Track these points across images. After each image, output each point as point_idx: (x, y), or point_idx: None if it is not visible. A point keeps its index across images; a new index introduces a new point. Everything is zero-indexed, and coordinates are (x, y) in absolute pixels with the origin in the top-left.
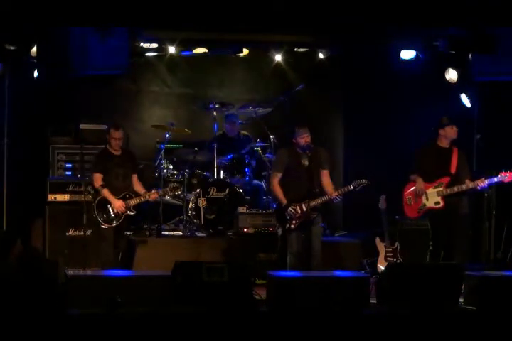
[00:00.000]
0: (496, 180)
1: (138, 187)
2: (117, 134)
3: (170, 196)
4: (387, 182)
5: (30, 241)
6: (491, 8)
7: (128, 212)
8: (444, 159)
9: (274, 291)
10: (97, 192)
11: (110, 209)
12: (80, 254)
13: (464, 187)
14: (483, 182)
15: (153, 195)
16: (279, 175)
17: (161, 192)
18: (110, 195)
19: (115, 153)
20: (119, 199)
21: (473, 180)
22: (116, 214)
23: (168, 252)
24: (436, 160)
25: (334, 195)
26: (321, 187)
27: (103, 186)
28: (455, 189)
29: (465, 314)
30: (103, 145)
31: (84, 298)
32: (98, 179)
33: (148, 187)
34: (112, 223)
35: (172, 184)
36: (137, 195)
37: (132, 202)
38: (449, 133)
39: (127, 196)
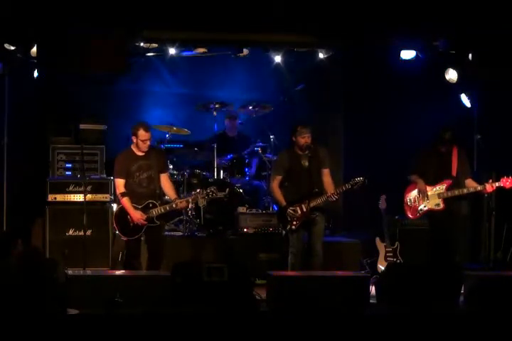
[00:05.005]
0: (497, 185)
1: (168, 189)
2: (147, 135)
3: (205, 200)
4: (387, 182)
5: (30, 241)
6: (490, 8)
7: (150, 223)
8: (445, 161)
9: (274, 291)
10: (119, 199)
11: (130, 220)
12: (80, 254)
13: (465, 190)
14: (493, 187)
15: (182, 204)
16: (279, 178)
17: (190, 200)
18: (129, 206)
19: (139, 153)
20: (140, 209)
21: (474, 179)
22: (136, 227)
23: (168, 252)
24: (437, 163)
25: (330, 193)
26: (322, 186)
27: (123, 194)
28: (456, 192)
29: (465, 314)
30: (102, 146)
31: (84, 298)
32: (119, 185)
33: None
34: (132, 236)
35: (207, 189)
36: (164, 201)
37: (155, 213)
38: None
39: (151, 205)
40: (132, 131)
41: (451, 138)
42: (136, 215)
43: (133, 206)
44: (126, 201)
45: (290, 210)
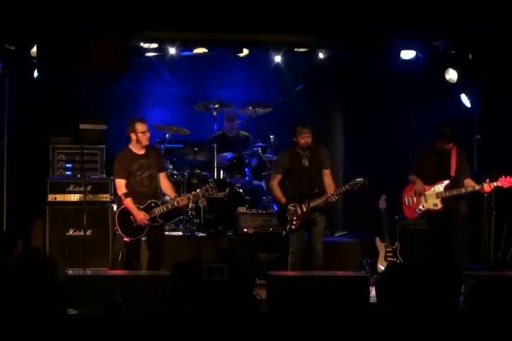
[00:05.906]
0: (495, 184)
1: (167, 188)
2: (144, 127)
3: (205, 197)
4: (387, 182)
5: (30, 241)
6: (490, 8)
7: (153, 223)
8: (444, 161)
9: (274, 291)
10: (120, 200)
11: (133, 220)
12: (80, 254)
13: (463, 190)
14: (491, 187)
15: (183, 201)
16: (279, 177)
17: (191, 196)
18: (133, 207)
19: (138, 152)
20: (143, 208)
21: (473, 179)
22: (139, 227)
23: (168, 252)
24: (436, 163)
25: (330, 194)
26: (322, 187)
27: (126, 195)
28: (454, 192)
29: (465, 314)
30: (102, 146)
31: (84, 298)
32: (121, 186)
33: None
34: (135, 236)
35: (206, 185)
36: (164, 201)
37: (157, 212)
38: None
39: (153, 204)
40: (129, 128)
41: (452, 134)
42: (140, 215)
43: (136, 206)
44: (129, 202)
45: (290, 207)
